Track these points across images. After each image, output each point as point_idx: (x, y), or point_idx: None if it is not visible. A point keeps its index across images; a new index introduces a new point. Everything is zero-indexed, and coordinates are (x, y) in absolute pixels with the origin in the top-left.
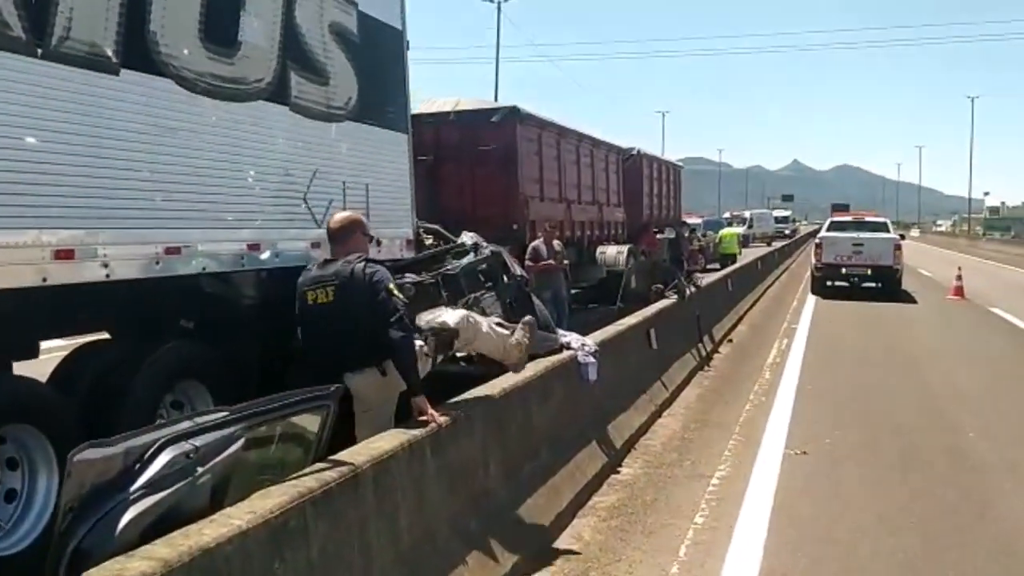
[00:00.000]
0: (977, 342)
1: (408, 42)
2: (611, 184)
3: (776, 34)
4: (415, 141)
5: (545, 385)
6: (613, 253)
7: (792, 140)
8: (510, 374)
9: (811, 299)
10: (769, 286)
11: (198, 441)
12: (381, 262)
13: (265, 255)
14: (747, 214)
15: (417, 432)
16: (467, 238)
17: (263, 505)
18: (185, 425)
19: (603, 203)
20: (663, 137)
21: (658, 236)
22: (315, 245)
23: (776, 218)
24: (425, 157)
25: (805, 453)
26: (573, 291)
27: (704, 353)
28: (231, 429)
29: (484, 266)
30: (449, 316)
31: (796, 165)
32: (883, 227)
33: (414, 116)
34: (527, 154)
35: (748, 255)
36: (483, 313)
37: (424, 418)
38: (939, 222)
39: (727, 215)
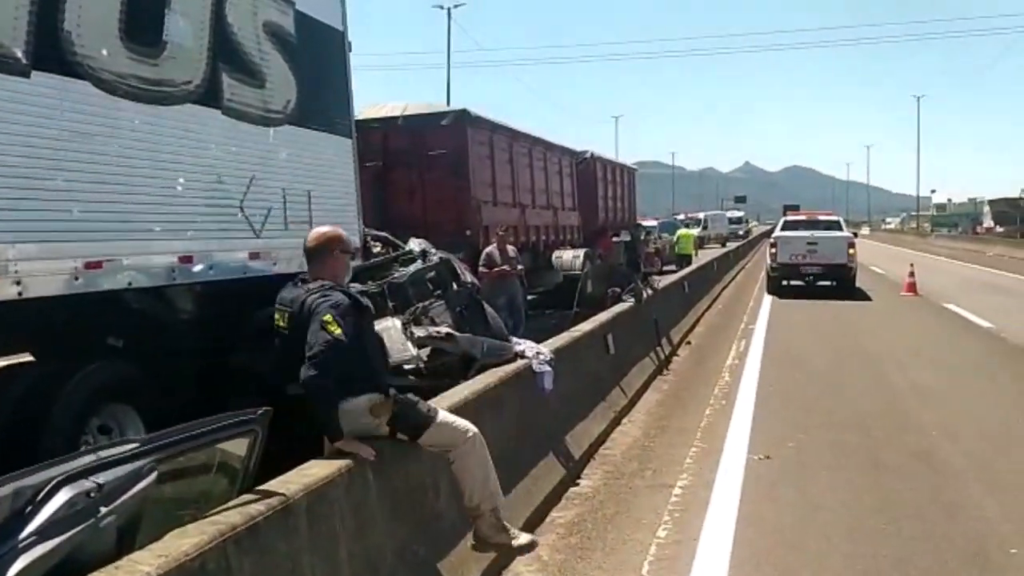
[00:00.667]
0: (934, 339)
1: (350, 43)
2: (565, 188)
3: (726, 36)
4: (363, 146)
5: (498, 397)
6: (569, 257)
7: (743, 142)
8: (460, 387)
9: (767, 299)
10: (725, 286)
11: (101, 478)
12: (347, 291)
13: (199, 267)
14: (701, 215)
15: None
16: (415, 245)
17: (177, 547)
18: (87, 460)
19: (557, 207)
20: (616, 141)
21: (615, 239)
22: (254, 256)
23: (730, 219)
24: (373, 163)
25: (768, 458)
26: (529, 296)
27: (663, 356)
28: (142, 462)
29: (433, 273)
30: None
31: (748, 167)
32: (836, 225)
33: (361, 121)
34: (478, 158)
35: (704, 256)
36: (432, 322)
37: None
38: (888, 220)
39: (680, 216)
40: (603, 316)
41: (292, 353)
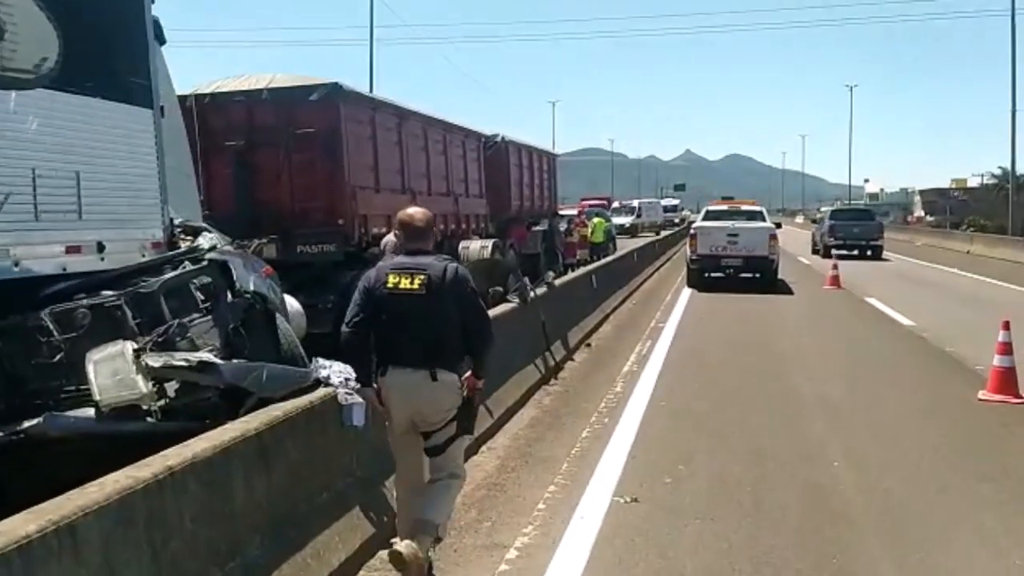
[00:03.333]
0: (851, 340)
1: None
2: (470, 173)
3: (667, 15)
4: (224, 123)
5: (261, 446)
6: (477, 248)
7: (685, 131)
8: (197, 438)
9: (686, 292)
10: (646, 279)
11: None
12: None
13: None
14: (635, 203)
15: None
16: (204, 240)
17: None
18: None
19: (460, 194)
20: (553, 127)
21: (534, 228)
22: None
23: (665, 207)
24: (234, 142)
25: (636, 500)
26: None
27: (552, 363)
28: None
29: (205, 279)
30: None
31: (688, 155)
32: (759, 216)
33: (223, 94)
34: (356, 138)
35: (629, 246)
36: (192, 346)
37: None
38: (823, 209)
39: (615, 203)
40: None
41: (429, 312)
